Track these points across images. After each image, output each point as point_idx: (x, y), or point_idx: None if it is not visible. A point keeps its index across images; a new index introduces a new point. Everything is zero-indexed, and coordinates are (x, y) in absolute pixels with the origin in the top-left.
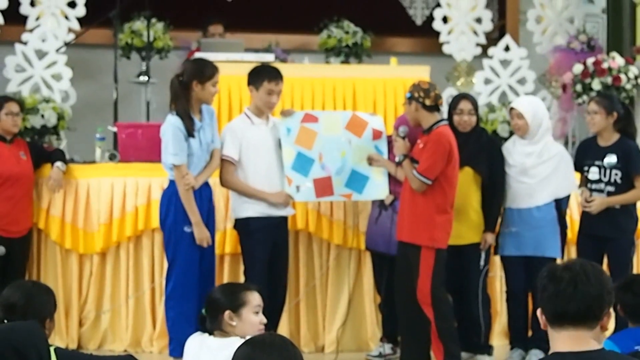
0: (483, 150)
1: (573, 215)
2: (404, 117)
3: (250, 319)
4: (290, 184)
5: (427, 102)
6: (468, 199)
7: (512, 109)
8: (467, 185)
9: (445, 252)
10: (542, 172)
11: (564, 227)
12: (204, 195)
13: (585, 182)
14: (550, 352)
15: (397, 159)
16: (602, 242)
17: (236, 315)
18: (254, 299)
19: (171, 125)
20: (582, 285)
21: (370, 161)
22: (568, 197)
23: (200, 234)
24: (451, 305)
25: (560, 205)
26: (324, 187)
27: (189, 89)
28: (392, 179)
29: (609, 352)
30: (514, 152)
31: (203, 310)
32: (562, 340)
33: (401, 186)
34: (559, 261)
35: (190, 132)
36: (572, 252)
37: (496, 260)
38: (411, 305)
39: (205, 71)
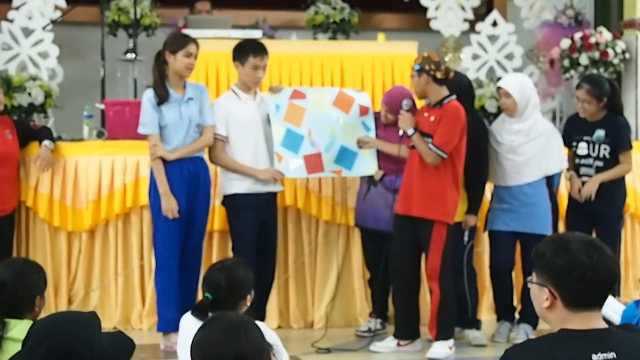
0: (467, 133)
1: (562, 191)
2: (392, 92)
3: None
4: (280, 160)
5: (439, 74)
6: None
7: (499, 88)
8: None
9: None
10: (531, 150)
11: (555, 204)
12: (185, 169)
13: (573, 157)
14: (558, 329)
15: (409, 133)
16: (591, 216)
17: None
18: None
19: (143, 98)
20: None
21: (360, 144)
22: (560, 173)
23: (166, 204)
24: (453, 283)
25: (552, 182)
26: (314, 163)
27: (163, 60)
28: (381, 155)
29: (617, 330)
30: (503, 130)
31: (208, 295)
32: (577, 320)
33: (390, 162)
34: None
35: (161, 99)
36: (561, 228)
37: (484, 235)
38: (409, 280)
39: (176, 41)
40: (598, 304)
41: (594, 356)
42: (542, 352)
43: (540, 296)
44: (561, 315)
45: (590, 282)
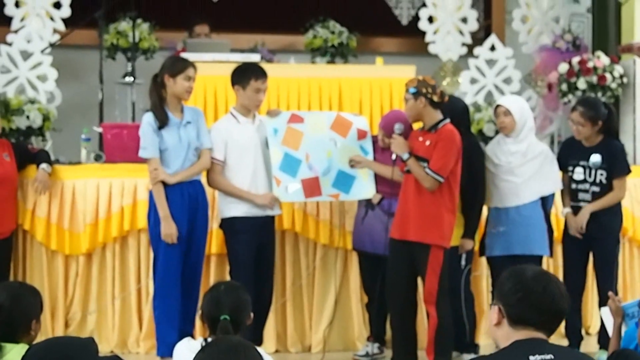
0: (463, 157)
1: (558, 214)
2: (389, 116)
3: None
4: (278, 184)
5: (435, 98)
6: None
7: (498, 106)
8: None
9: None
10: (528, 171)
11: (549, 226)
12: (185, 192)
13: (569, 182)
14: (505, 344)
15: (403, 158)
16: (587, 241)
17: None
18: None
19: (143, 122)
20: (557, 301)
21: (353, 163)
22: (553, 195)
23: (166, 229)
24: (450, 307)
25: (545, 203)
26: (312, 187)
27: (162, 83)
28: (379, 179)
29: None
30: (499, 151)
31: (227, 317)
32: (519, 337)
33: (388, 185)
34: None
35: (161, 123)
36: (557, 252)
37: (481, 259)
38: (406, 305)
39: (175, 65)
40: (541, 327)
41: (531, 357)
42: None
43: (492, 315)
44: (506, 332)
45: (532, 305)
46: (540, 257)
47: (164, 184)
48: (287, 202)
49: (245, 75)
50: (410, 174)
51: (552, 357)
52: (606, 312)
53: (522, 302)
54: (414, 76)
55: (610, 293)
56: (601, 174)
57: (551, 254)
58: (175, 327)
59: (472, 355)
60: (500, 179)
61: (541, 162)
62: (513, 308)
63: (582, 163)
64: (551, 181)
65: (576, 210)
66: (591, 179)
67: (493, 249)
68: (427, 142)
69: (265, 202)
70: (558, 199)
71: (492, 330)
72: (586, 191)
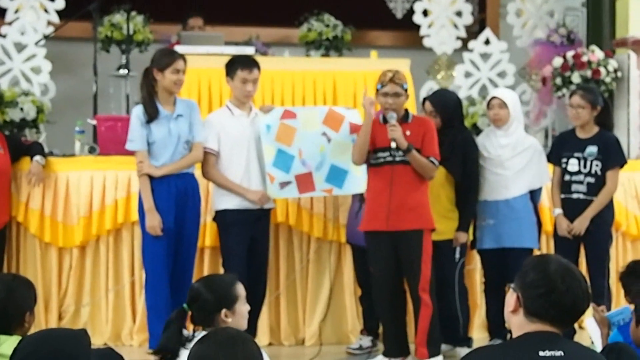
0: (457, 151)
1: (547, 208)
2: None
3: (243, 311)
4: (272, 181)
5: None
6: (440, 197)
7: (493, 98)
8: (439, 184)
9: None
10: (518, 164)
11: (538, 219)
12: (173, 185)
13: (561, 174)
14: (516, 334)
15: (406, 148)
16: (579, 235)
17: (231, 311)
18: (242, 290)
19: (132, 115)
20: (579, 302)
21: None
22: (541, 189)
23: (150, 221)
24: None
25: (534, 197)
26: (305, 183)
27: (152, 77)
28: None
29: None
30: (489, 144)
31: (185, 306)
32: (532, 329)
33: None
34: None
35: (150, 117)
36: (549, 245)
37: (474, 252)
38: (396, 297)
39: (163, 58)
40: (556, 323)
41: (540, 352)
42: (495, 351)
43: (510, 300)
44: (520, 321)
45: (552, 302)
46: (530, 250)
47: (151, 176)
48: (281, 198)
49: (233, 66)
50: (394, 165)
51: (562, 353)
52: (591, 323)
53: (542, 298)
54: (408, 70)
55: (592, 305)
56: (596, 165)
57: (539, 246)
58: (163, 318)
59: (466, 349)
60: (489, 172)
61: (530, 156)
62: (532, 301)
63: (576, 155)
64: (540, 175)
65: (569, 202)
66: (586, 170)
67: (483, 242)
68: (408, 132)
69: (255, 199)
70: (545, 191)
71: (507, 315)
72: (580, 182)
